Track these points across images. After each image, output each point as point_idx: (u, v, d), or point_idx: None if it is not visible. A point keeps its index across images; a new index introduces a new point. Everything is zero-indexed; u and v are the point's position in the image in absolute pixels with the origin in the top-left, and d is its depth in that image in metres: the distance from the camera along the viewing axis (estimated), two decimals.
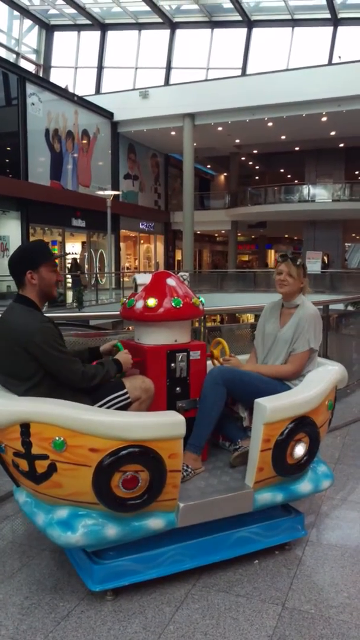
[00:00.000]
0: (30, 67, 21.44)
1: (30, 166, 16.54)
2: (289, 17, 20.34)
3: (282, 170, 28.41)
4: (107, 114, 20.26)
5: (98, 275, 19.61)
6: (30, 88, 16.49)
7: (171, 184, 25.89)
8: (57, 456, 1.92)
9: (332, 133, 20.57)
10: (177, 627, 1.95)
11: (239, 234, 27.61)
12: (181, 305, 2.38)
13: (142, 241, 24.57)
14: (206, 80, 20.33)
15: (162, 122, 19.74)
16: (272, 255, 32.66)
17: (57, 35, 23.12)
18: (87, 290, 16.16)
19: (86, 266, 19.78)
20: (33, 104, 16.65)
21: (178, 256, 26.50)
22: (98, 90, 22.34)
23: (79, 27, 22.64)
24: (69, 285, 16.17)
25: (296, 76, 17.43)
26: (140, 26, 22.12)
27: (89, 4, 20.98)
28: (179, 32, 21.96)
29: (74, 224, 18.83)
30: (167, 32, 21.82)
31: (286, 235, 32.42)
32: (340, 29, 20.16)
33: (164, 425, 2.01)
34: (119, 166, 21.50)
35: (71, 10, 21.27)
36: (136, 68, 22.57)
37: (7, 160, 16.20)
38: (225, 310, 9.33)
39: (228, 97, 17.97)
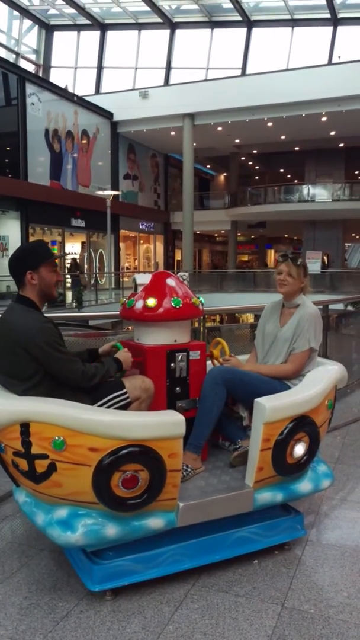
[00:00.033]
0: (30, 67, 21.45)
1: (30, 166, 16.54)
2: (288, 17, 20.34)
3: (282, 170, 28.41)
4: (107, 114, 20.26)
5: (97, 275, 19.61)
6: (30, 88, 16.49)
7: (171, 184, 25.89)
8: (57, 456, 1.92)
9: (332, 133, 20.57)
10: (177, 627, 1.95)
11: (239, 234, 27.61)
12: (181, 305, 2.38)
13: (141, 241, 24.57)
14: (206, 80, 20.33)
15: (161, 122, 19.74)
16: (271, 255, 32.66)
17: (57, 35, 23.12)
18: (86, 291, 16.16)
19: (86, 266, 19.78)
20: (33, 104, 16.65)
21: (178, 256, 26.50)
22: (98, 90, 22.34)
23: (78, 27, 22.64)
24: (69, 285, 16.17)
25: (296, 76, 17.43)
26: (140, 26, 22.12)
27: (88, 4, 20.98)
28: (178, 32, 21.96)
29: (74, 224, 18.83)
30: (167, 32, 21.82)
31: (286, 235, 32.42)
32: (340, 28, 20.16)
33: (163, 424, 2.01)
34: (119, 166, 21.49)
35: (71, 10, 21.27)
36: (136, 68, 22.57)
37: (6, 160, 16.20)
38: (224, 310, 9.34)
39: (228, 97, 17.97)
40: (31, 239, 16.31)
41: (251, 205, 23.94)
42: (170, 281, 2.47)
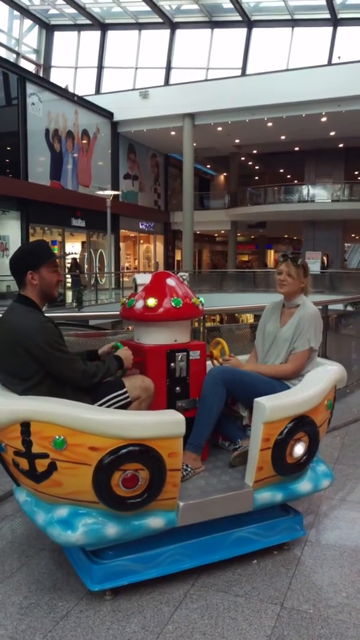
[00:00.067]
0: (31, 67, 21.44)
1: (30, 166, 16.54)
2: (288, 17, 20.35)
3: (281, 171, 28.42)
4: (107, 114, 20.26)
5: (98, 275, 19.61)
6: (30, 88, 16.49)
7: (171, 184, 25.89)
8: (57, 455, 1.92)
9: (332, 133, 20.58)
10: (176, 626, 1.95)
11: (239, 234, 27.61)
12: (181, 305, 2.38)
13: (141, 241, 24.57)
14: (206, 80, 20.33)
15: (162, 122, 19.75)
16: (271, 256, 32.67)
17: (57, 35, 23.12)
18: (86, 290, 16.16)
19: (86, 266, 19.77)
20: (33, 103, 16.65)
21: (178, 256, 26.51)
22: (98, 90, 22.34)
23: (79, 27, 22.64)
24: (69, 285, 16.17)
25: (296, 76, 17.43)
26: (140, 26, 22.12)
27: (89, 3, 20.98)
28: (179, 32, 21.96)
29: (74, 224, 18.83)
30: (167, 32, 21.82)
31: (286, 236, 32.43)
32: (339, 29, 20.17)
33: (163, 424, 2.01)
34: (119, 166, 21.50)
35: (71, 10, 21.26)
36: (136, 68, 22.57)
37: (7, 160, 16.19)
38: (224, 310, 9.34)
39: (228, 97, 17.98)
40: (31, 238, 16.31)
41: (251, 205, 23.94)
42: (170, 281, 2.47)
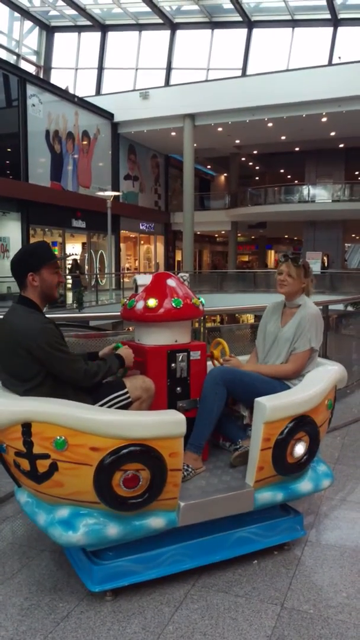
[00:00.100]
0: (31, 69, 21.47)
1: (31, 167, 16.56)
2: (289, 17, 20.36)
3: (282, 171, 28.42)
4: (108, 115, 20.28)
5: (98, 276, 19.62)
6: (30, 89, 16.51)
7: (171, 185, 25.90)
8: (59, 455, 1.93)
9: (332, 133, 20.58)
10: (176, 627, 1.95)
11: (239, 235, 27.61)
12: (181, 306, 2.39)
13: (142, 242, 24.58)
14: (206, 80, 20.35)
15: (162, 123, 19.75)
16: (272, 256, 32.67)
17: (58, 37, 23.14)
18: (87, 291, 16.17)
19: (86, 267, 19.79)
20: (33, 105, 16.67)
21: (178, 257, 26.51)
22: (98, 91, 22.36)
23: (79, 28, 22.66)
24: (69, 286, 16.19)
25: (296, 77, 17.44)
26: (140, 27, 22.14)
27: (89, 5, 21.00)
28: (179, 33, 21.98)
29: (74, 225, 18.84)
30: (168, 32, 21.83)
31: (286, 236, 32.43)
32: (340, 29, 20.17)
33: (164, 424, 2.01)
34: (119, 167, 21.51)
35: (71, 12, 21.28)
36: (136, 69, 22.59)
37: (7, 162, 16.21)
38: (225, 310, 9.35)
39: (228, 97, 17.99)
40: (32, 240, 16.33)
41: (251, 205, 23.95)
42: (171, 282, 2.48)
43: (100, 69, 22.84)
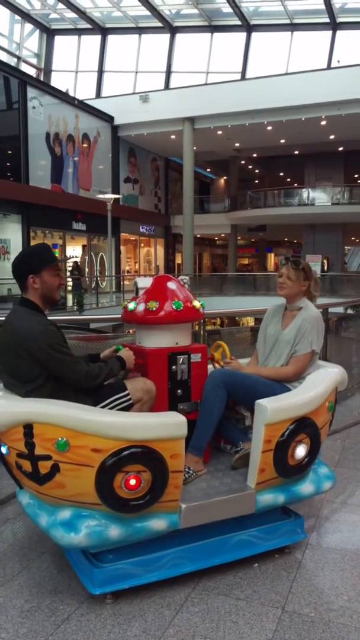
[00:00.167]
0: (31, 71, 21.53)
1: (31, 170, 16.58)
2: (288, 21, 20.44)
3: (281, 174, 28.48)
4: (108, 118, 20.33)
5: (98, 278, 19.63)
6: (31, 92, 16.55)
7: (171, 188, 25.95)
8: (60, 457, 1.93)
9: (332, 137, 20.63)
10: (177, 630, 1.95)
11: (239, 238, 27.64)
12: (182, 308, 2.39)
13: (142, 244, 24.61)
14: (206, 84, 20.40)
15: (162, 126, 19.80)
16: (272, 259, 32.71)
17: (58, 40, 23.22)
18: (87, 294, 16.17)
19: (86, 269, 19.80)
20: (34, 107, 16.71)
21: (178, 259, 26.53)
22: (98, 94, 22.42)
23: (79, 32, 22.73)
24: (69, 288, 16.20)
25: (295, 80, 17.49)
26: (140, 30, 22.21)
27: (89, 8, 21.07)
28: (178, 37, 22.05)
29: (75, 228, 18.86)
30: (167, 36, 21.91)
31: (286, 239, 32.48)
32: (339, 33, 20.24)
33: (165, 425, 2.02)
34: (119, 170, 21.55)
35: (72, 15, 21.35)
36: (136, 72, 22.65)
37: (8, 164, 16.23)
38: (225, 313, 9.35)
39: (228, 101, 18.03)
40: (32, 242, 16.36)
41: (251, 208, 24.00)
42: (171, 284, 2.48)
43: (101, 72, 22.91)
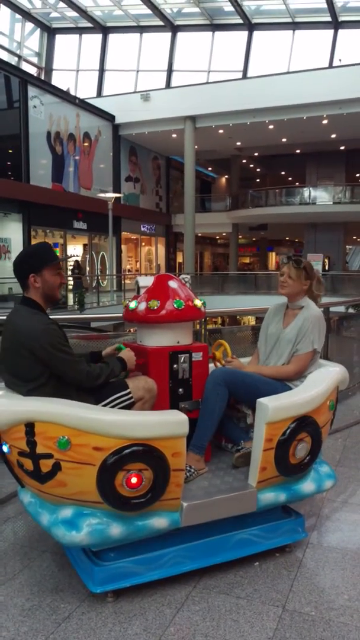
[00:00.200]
0: (32, 70, 21.51)
1: (32, 169, 16.58)
2: (289, 20, 20.40)
3: (283, 173, 28.46)
4: (109, 117, 20.32)
5: (99, 277, 19.63)
6: (31, 91, 16.54)
7: (172, 187, 25.93)
8: (62, 455, 1.93)
9: (333, 136, 20.60)
10: (178, 628, 1.95)
11: (240, 237, 27.64)
12: (183, 307, 2.39)
13: (143, 243, 24.60)
14: (207, 83, 20.38)
15: (163, 125, 19.79)
16: (273, 258, 32.70)
17: (59, 38, 23.20)
18: (88, 293, 16.17)
19: (87, 268, 19.80)
20: (35, 106, 16.70)
21: (179, 258, 26.54)
22: (99, 93, 22.40)
23: (80, 30, 22.72)
24: (70, 287, 16.21)
25: (297, 79, 17.47)
26: (141, 29, 22.18)
27: (90, 7, 21.05)
28: (180, 35, 22.02)
29: (76, 226, 18.86)
30: (169, 35, 21.88)
31: (287, 238, 32.46)
32: (340, 31, 20.20)
33: (167, 423, 2.02)
34: (121, 169, 21.54)
35: (73, 14, 21.34)
36: (137, 71, 22.63)
37: (8, 163, 16.24)
38: (226, 312, 9.33)
39: (229, 99, 18.02)
40: (33, 241, 16.36)
41: (252, 207, 23.98)
42: (173, 283, 2.48)
43: (102, 70, 22.89)
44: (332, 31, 20.24)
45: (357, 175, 24.37)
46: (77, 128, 18.97)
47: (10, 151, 16.33)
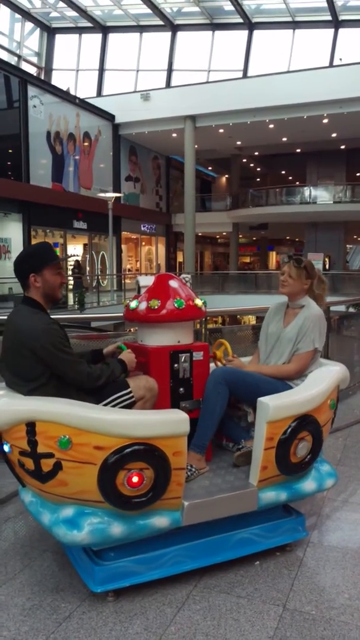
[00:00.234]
0: (32, 70, 21.51)
1: (32, 168, 16.59)
2: (290, 19, 20.39)
3: (283, 172, 28.46)
4: (109, 116, 20.32)
5: (100, 277, 19.63)
6: (31, 90, 16.54)
7: (172, 186, 25.93)
8: (63, 454, 1.93)
9: (334, 135, 20.60)
10: (178, 628, 1.95)
11: (241, 236, 27.64)
12: (184, 307, 2.39)
13: (143, 243, 24.61)
14: (207, 82, 20.38)
15: (163, 124, 19.79)
16: (273, 257, 32.69)
17: (59, 38, 23.20)
18: (88, 292, 16.17)
19: (88, 268, 19.81)
20: (35, 106, 16.70)
21: (180, 258, 26.54)
22: (99, 93, 22.40)
23: (80, 30, 22.71)
24: (70, 287, 16.21)
25: (297, 78, 17.47)
26: (141, 29, 22.18)
27: (90, 6, 21.05)
28: (180, 35, 22.02)
29: (76, 226, 18.86)
30: (168, 34, 21.88)
31: (288, 237, 32.46)
32: (341, 31, 20.19)
33: (168, 422, 2.02)
34: (121, 168, 21.54)
35: (72, 13, 21.34)
36: (137, 70, 22.63)
37: (8, 163, 16.24)
38: (226, 311, 9.32)
39: (229, 99, 18.02)
40: (33, 241, 16.37)
41: (253, 207, 23.98)
42: (173, 283, 2.48)
43: (101, 70, 22.89)
44: (332, 30, 20.24)
45: (358, 174, 24.35)
46: (77, 128, 18.97)
47: (10, 151, 16.32)
